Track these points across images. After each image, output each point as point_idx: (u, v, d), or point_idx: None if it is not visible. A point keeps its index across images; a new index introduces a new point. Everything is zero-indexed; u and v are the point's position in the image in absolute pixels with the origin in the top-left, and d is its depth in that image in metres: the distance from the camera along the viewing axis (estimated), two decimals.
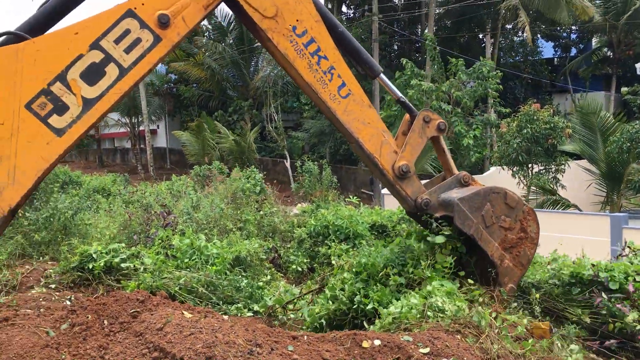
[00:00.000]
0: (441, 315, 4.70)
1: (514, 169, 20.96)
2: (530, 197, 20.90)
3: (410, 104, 5.77)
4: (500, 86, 25.49)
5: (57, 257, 8.44)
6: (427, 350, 4.12)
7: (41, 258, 8.56)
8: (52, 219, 9.21)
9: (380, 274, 5.62)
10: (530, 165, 20.79)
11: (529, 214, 5.51)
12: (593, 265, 5.65)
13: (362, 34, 37.71)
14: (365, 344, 4.17)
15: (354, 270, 6.02)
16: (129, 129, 47.93)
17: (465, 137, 25.35)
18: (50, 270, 7.64)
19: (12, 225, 9.31)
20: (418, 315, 4.79)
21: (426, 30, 33.82)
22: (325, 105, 5.18)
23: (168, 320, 4.15)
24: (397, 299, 5.19)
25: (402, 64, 27.01)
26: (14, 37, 4.15)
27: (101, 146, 52.89)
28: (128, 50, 4.26)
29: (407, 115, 5.71)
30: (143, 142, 45.79)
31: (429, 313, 4.74)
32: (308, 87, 5.13)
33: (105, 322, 4.32)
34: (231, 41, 41.49)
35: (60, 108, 4.07)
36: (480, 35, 39.60)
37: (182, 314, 4.35)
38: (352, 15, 43.89)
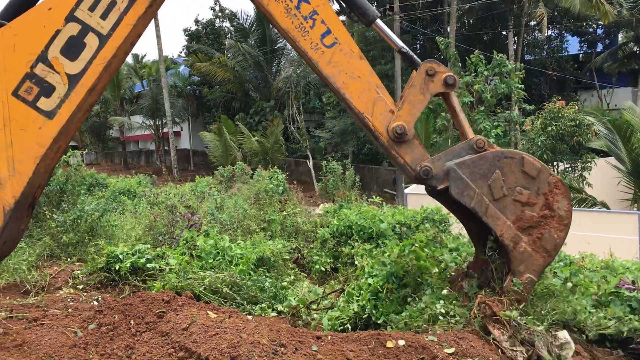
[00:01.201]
0: (453, 319, 4.52)
1: None
2: None
3: (414, 56, 4.91)
4: (522, 85, 25.20)
5: (84, 258, 8.57)
6: (452, 350, 4.07)
7: (69, 259, 8.69)
8: (79, 221, 9.34)
9: (384, 291, 5.41)
10: (555, 164, 20.52)
11: (557, 187, 4.43)
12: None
13: None
14: (389, 344, 4.14)
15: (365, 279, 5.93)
16: (153, 131, 48.54)
17: (487, 136, 25.11)
18: (78, 271, 7.76)
19: (41, 227, 9.49)
20: (429, 320, 4.62)
21: (448, 29, 33.60)
22: (307, 56, 4.52)
23: (193, 320, 4.19)
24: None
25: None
26: None
27: (126, 148, 53.58)
28: (104, 16, 4.07)
29: (414, 72, 4.81)
30: (167, 144, 46.30)
31: (440, 317, 4.58)
32: (287, 35, 4.51)
33: (132, 322, 4.37)
34: (253, 42, 41.73)
35: (47, 89, 3.97)
36: (504, 33, 39.17)
37: (207, 314, 4.38)
38: None
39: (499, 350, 4.14)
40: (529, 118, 22.71)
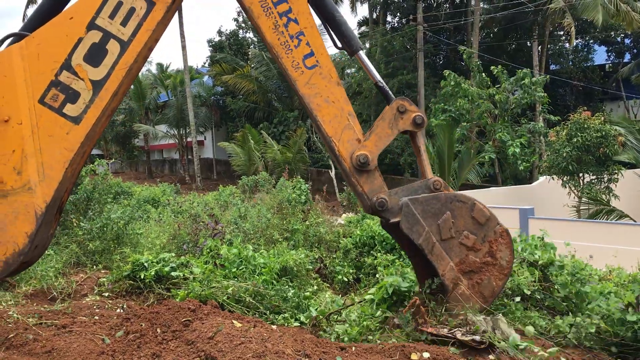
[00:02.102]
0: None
1: (564, 179, 20.46)
2: (582, 208, 20.35)
3: (390, 92, 5.05)
4: (546, 95, 25.03)
5: (109, 266, 8.68)
6: None
7: (95, 267, 8.82)
8: (105, 229, 9.47)
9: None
10: (581, 175, 20.27)
11: (502, 236, 4.61)
12: None
13: (407, 42, 37.60)
14: (414, 356, 4.12)
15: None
16: (177, 140, 49.05)
17: (511, 145, 24.98)
18: (104, 279, 7.87)
19: (68, 234, 9.64)
20: None
21: (471, 39, 33.50)
22: (287, 73, 4.67)
23: (219, 329, 4.21)
24: None
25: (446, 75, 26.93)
26: (17, 38, 4.17)
27: (150, 157, 54.16)
28: (125, 23, 4.19)
29: (387, 106, 4.97)
30: (190, 153, 46.73)
31: None
32: (271, 49, 4.67)
33: (158, 330, 4.41)
34: None
35: (72, 96, 4.08)
36: (529, 43, 38.89)
37: (232, 323, 4.40)
38: (396, 24, 43.82)
39: None
40: (554, 129, 22.49)
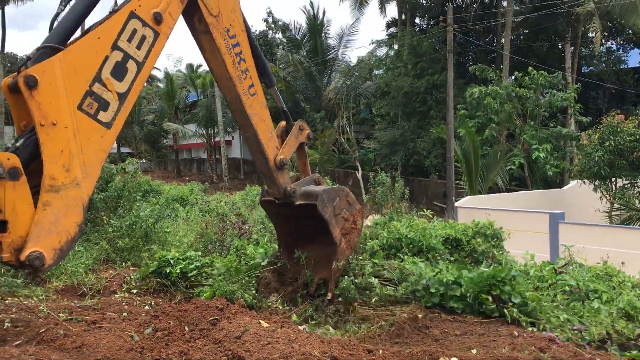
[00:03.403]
0: None
1: (596, 183, 20.06)
2: (613, 214, 19.93)
3: (290, 117, 7.08)
4: (579, 104, 24.87)
5: (138, 263, 8.76)
6: None
7: (124, 264, 8.90)
8: (134, 227, 9.56)
9: None
10: (613, 180, 19.84)
11: (359, 212, 6.93)
12: None
13: (436, 44, 37.33)
14: None
15: None
16: (205, 139, 49.49)
17: (536, 149, 24.67)
18: (132, 276, 7.94)
19: (98, 231, 9.77)
20: None
21: (502, 41, 33.09)
22: (238, 97, 6.14)
23: (246, 329, 4.22)
24: None
25: (474, 74, 26.95)
26: (49, 50, 4.60)
27: (179, 156, 54.73)
28: (139, 47, 4.88)
29: (283, 122, 7.01)
30: (218, 153, 47.09)
31: None
32: (228, 80, 6.05)
33: (186, 328, 4.44)
34: (305, 53, 42.06)
35: (104, 105, 4.66)
36: (560, 45, 38.25)
37: (259, 323, 4.41)
38: (425, 26, 43.52)
39: None
40: (586, 132, 22.07)
